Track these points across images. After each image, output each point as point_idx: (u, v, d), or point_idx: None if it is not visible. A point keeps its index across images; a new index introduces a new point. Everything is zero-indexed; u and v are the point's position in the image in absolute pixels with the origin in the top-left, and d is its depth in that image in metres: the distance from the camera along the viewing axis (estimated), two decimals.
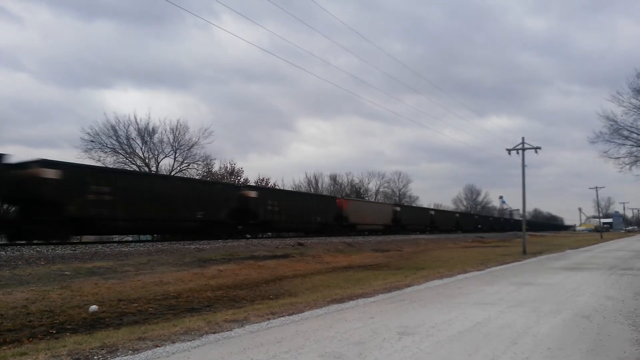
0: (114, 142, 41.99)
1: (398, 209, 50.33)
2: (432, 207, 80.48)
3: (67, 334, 7.83)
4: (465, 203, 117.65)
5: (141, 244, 21.30)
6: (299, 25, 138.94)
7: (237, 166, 52.03)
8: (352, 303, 9.39)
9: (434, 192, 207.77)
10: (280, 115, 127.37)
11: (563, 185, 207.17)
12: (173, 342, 6.14)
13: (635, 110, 33.69)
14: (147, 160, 44.22)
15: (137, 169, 41.71)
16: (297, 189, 63.56)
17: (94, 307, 9.97)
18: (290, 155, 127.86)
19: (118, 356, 5.54)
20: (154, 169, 43.71)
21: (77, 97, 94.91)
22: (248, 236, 31.30)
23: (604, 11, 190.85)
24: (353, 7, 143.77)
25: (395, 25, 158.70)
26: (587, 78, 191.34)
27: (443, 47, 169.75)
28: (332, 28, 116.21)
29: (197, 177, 42.68)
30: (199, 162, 46.42)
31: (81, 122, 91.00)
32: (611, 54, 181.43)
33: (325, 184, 73.21)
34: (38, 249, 16.99)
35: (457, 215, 72.55)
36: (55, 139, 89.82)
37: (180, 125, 45.77)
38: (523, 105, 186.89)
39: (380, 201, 71.20)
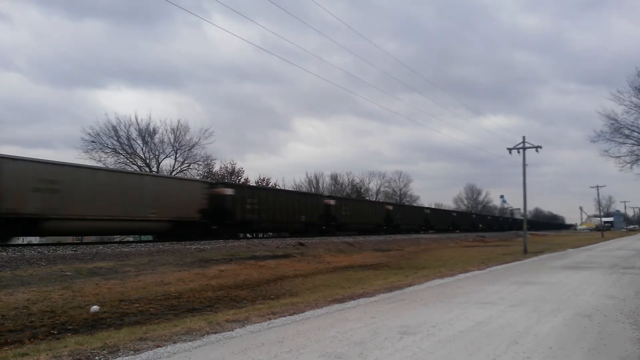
0: (114, 142, 42.09)
1: (229, 192, 28.04)
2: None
3: (69, 334, 7.83)
4: (466, 202, 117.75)
5: (142, 244, 21.31)
6: (290, 24, 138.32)
7: (237, 166, 52.25)
8: (353, 303, 9.38)
9: (434, 192, 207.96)
10: (276, 115, 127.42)
11: (563, 185, 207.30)
12: (174, 343, 6.14)
13: (636, 109, 33.73)
14: (147, 161, 44.31)
15: (138, 170, 41.77)
16: (297, 189, 63.62)
17: (95, 308, 9.98)
18: (287, 155, 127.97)
19: (119, 356, 5.54)
20: (154, 169, 43.77)
21: (71, 97, 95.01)
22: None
23: (597, 9, 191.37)
24: (343, 6, 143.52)
25: (387, 24, 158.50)
26: (583, 76, 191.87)
27: (436, 46, 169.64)
28: (324, 28, 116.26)
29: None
30: (200, 163, 46.56)
31: (76, 122, 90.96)
32: (607, 52, 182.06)
33: (326, 184, 73.39)
34: (39, 250, 17.01)
35: (369, 205, 56.05)
36: (50, 139, 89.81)
37: (181, 125, 45.92)
38: (520, 104, 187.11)
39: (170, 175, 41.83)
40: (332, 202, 37.94)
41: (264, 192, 33.29)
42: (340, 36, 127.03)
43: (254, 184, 48.07)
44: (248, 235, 34.62)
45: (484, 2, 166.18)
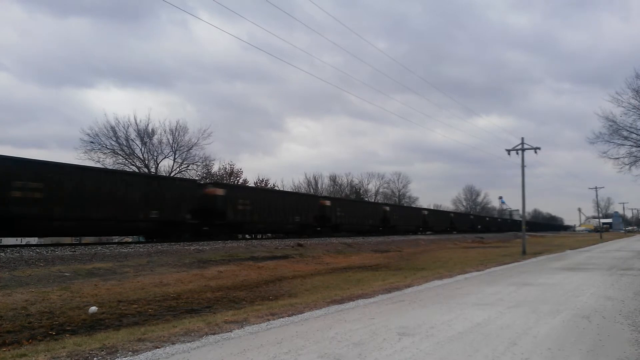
0: (113, 143, 42.02)
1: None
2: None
3: (67, 335, 7.83)
4: (465, 204, 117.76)
5: (141, 245, 21.30)
6: (277, 24, 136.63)
7: (236, 167, 52.17)
8: (352, 304, 9.38)
9: (431, 192, 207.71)
10: (268, 115, 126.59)
11: (560, 186, 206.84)
12: (173, 344, 6.14)
13: (634, 110, 33.76)
14: (146, 162, 44.24)
15: (137, 170, 41.71)
16: (296, 190, 63.66)
17: (93, 309, 9.96)
18: (281, 156, 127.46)
19: (118, 357, 5.54)
20: (153, 170, 43.71)
21: (60, 96, 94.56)
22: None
23: (588, 8, 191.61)
24: (330, 5, 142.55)
25: (376, 23, 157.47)
26: (577, 75, 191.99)
27: (427, 46, 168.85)
28: (314, 27, 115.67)
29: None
30: (198, 163, 46.49)
31: (68, 122, 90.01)
32: (600, 51, 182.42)
33: (325, 185, 73.41)
34: (38, 250, 16.98)
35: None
36: (43, 138, 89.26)
37: (180, 126, 45.86)
38: (513, 104, 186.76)
39: None
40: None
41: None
42: (329, 36, 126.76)
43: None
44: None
45: (472, 1, 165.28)
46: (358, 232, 41.18)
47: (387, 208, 48.53)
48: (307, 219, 34.24)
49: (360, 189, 78.72)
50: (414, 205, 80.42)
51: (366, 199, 71.45)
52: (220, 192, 26.92)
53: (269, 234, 36.69)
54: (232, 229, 28.70)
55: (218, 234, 27.04)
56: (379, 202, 65.96)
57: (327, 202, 37.55)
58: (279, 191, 44.45)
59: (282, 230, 34.11)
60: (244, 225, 29.31)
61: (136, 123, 43.55)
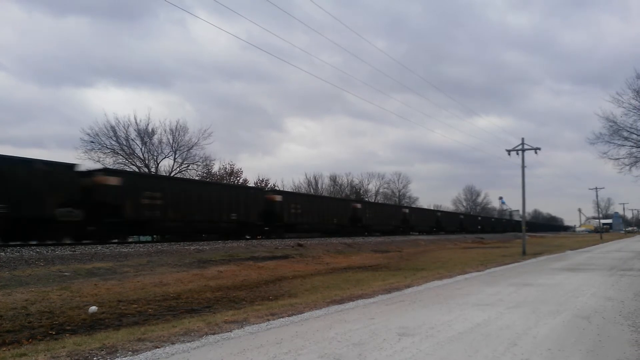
0: (113, 142, 42.05)
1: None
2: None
3: (67, 335, 7.83)
4: (465, 204, 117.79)
5: (141, 245, 21.31)
6: (275, 24, 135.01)
7: (236, 167, 52.19)
8: (352, 304, 9.38)
9: (432, 193, 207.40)
10: (267, 115, 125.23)
11: (560, 186, 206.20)
12: (173, 343, 6.14)
13: (635, 111, 33.76)
14: (146, 162, 44.27)
15: (137, 170, 41.72)
16: (297, 190, 63.57)
17: (93, 308, 9.97)
18: (281, 156, 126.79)
19: (117, 357, 5.54)
20: (153, 169, 43.72)
21: (59, 96, 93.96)
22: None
23: (587, 7, 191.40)
24: (329, 5, 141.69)
25: (374, 23, 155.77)
26: (576, 76, 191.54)
27: (427, 45, 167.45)
28: (313, 27, 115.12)
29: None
30: (199, 163, 46.50)
31: (67, 121, 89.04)
32: (599, 51, 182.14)
33: (325, 185, 73.43)
34: (38, 250, 16.99)
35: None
36: (43, 138, 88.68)
37: (180, 126, 45.87)
38: (512, 104, 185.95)
39: None
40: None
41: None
42: (329, 35, 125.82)
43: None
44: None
45: (471, 0, 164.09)
46: (322, 232, 36.88)
47: (359, 205, 43.85)
48: (248, 217, 29.04)
49: (360, 189, 78.82)
50: (391, 203, 75.82)
51: (365, 196, 71.42)
52: (113, 181, 21.53)
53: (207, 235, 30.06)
54: (134, 228, 23.53)
55: (110, 234, 22.13)
56: (348, 198, 60.39)
57: (277, 197, 32.63)
58: (207, 182, 38.21)
59: (211, 231, 28.55)
60: (153, 223, 23.61)
61: (136, 123, 43.63)
